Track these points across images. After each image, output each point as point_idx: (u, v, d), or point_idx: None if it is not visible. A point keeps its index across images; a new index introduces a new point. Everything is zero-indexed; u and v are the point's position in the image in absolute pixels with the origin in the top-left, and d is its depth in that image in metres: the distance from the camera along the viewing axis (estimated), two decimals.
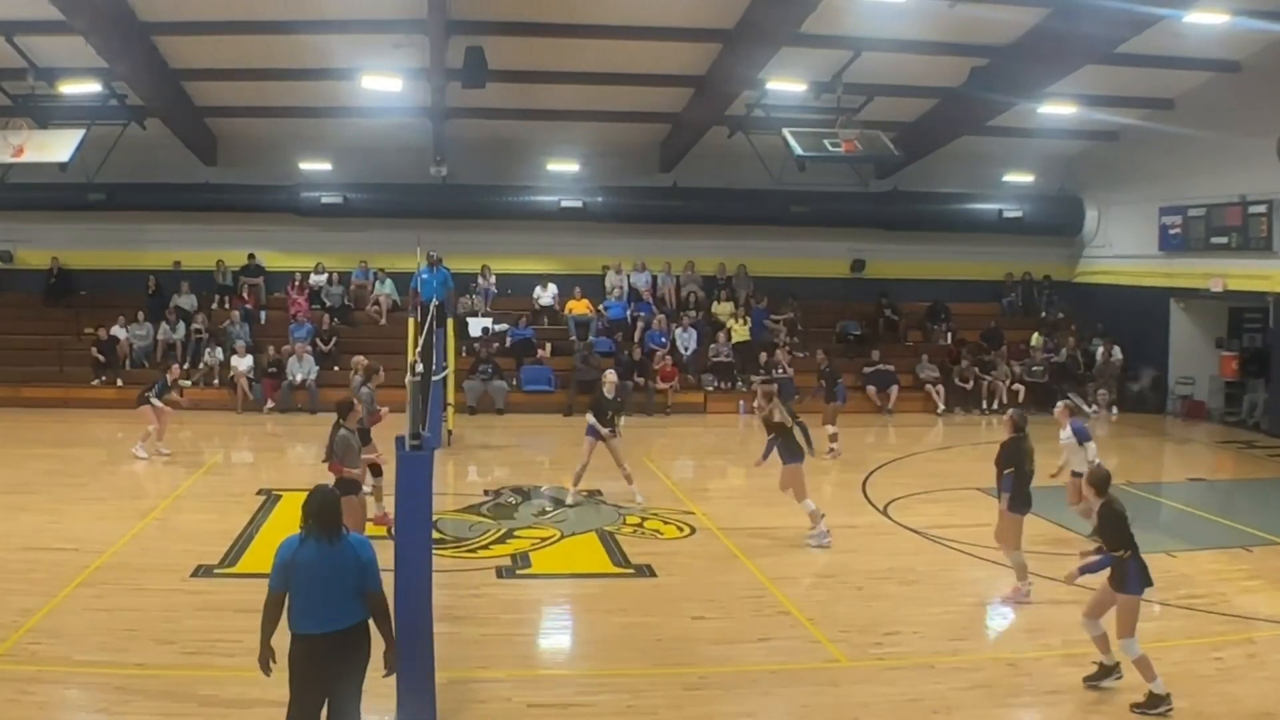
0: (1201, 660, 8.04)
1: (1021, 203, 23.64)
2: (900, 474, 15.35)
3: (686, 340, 21.90)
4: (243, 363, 19.95)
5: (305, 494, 5.78)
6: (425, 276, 16.95)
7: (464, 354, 20.47)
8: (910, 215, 23.39)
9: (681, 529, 11.91)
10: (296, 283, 22.30)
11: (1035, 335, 22.88)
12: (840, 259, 24.20)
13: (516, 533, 11.62)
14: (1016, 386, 21.34)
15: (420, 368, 8.36)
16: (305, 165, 22.09)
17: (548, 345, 21.79)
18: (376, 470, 11.13)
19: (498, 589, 9.79)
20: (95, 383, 20.07)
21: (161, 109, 19.45)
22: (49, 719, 6.86)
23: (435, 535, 9.18)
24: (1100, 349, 22.00)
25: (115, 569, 9.81)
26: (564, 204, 22.40)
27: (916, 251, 24.02)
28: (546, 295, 22.97)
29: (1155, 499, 14.29)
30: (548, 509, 12.75)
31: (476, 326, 21.43)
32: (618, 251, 23.29)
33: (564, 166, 22.66)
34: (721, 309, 23.01)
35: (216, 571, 9.90)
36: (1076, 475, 11.20)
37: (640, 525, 12.01)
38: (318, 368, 20.10)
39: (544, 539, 11.41)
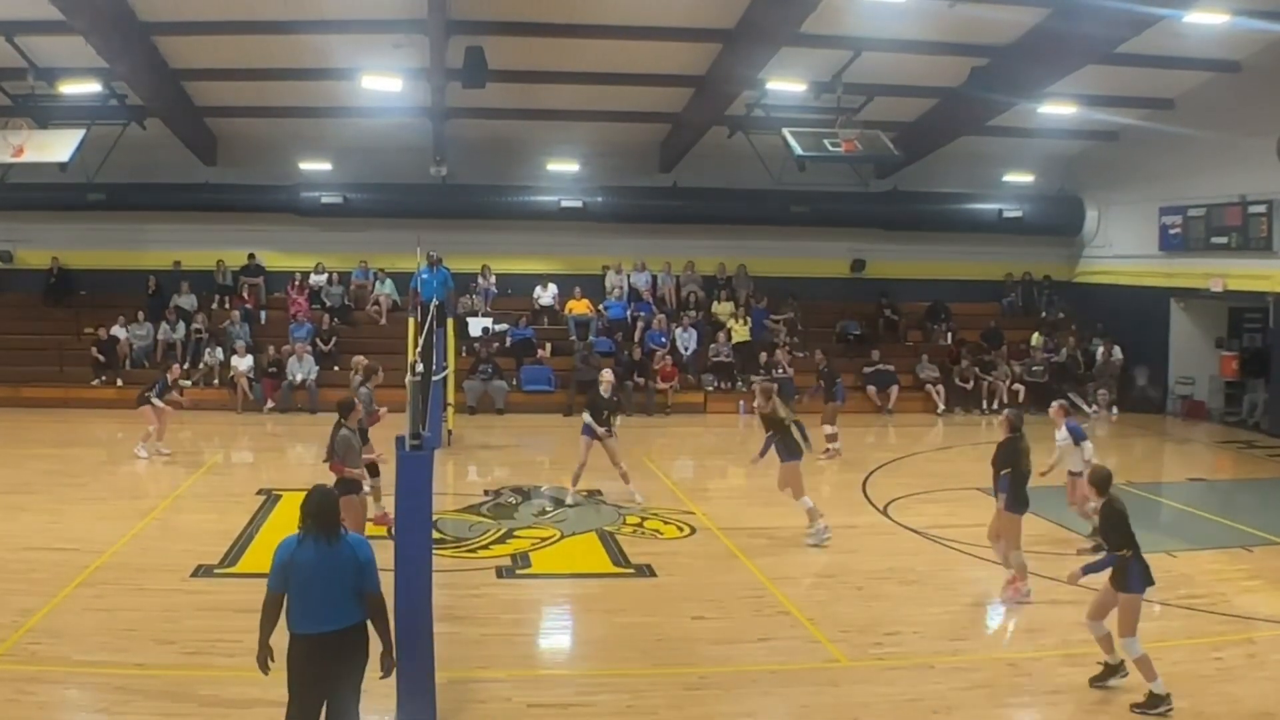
0: (1201, 660, 8.04)
1: (1021, 203, 23.63)
2: (900, 474, 15.35)
3: (686, 340, 21.90)
4: (243, 363, 19.95)
5: (305, 494, 5.78)
6: (425, 276, 16.96)
7: (464, 354, 20.47)
8: (910, 215, 23.38)
9: (681, 529, 11.91)
10: (296, 283, 22.30)
11: (1035, 335, 22.88)
12: (840, 259, 24.20)
13: (516, 533, 11.62)
14: (1017, 386, 21.35)
15: (420, 368, 8.36)
16: (305, 165, 22.09)
17: (548, 345, 21.80)
18: (374, 470, 11.13)
19: (498, 589, 9.79)
20: (95, 383, 20.07)
21: (161, 109, 19.45)
22: (49, 719, 6.86)
23: (435, 535, 9.19)
24: (1100, 349, 22.01)
25: (115, 569, 9.81)
26: (564, 204, 22.40)
27: (916, 251, 24.02)
28: (546, 295, 22.97)
29: (1155, 499, 14.29)
30: (548, 509, 12.75)
31: (476, 326, 21.43)
32: (618, 251, 23.29)
33: (564, 166, 22.66)
34: (721, 309, 23.01)
35: (217, 571, 9.90)
36: (1074, 474, 11.22)
37: (640, 525, 12.01)
38: (318, 368, 20.10)
39: (544, 539, 11.41)
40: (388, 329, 21.21)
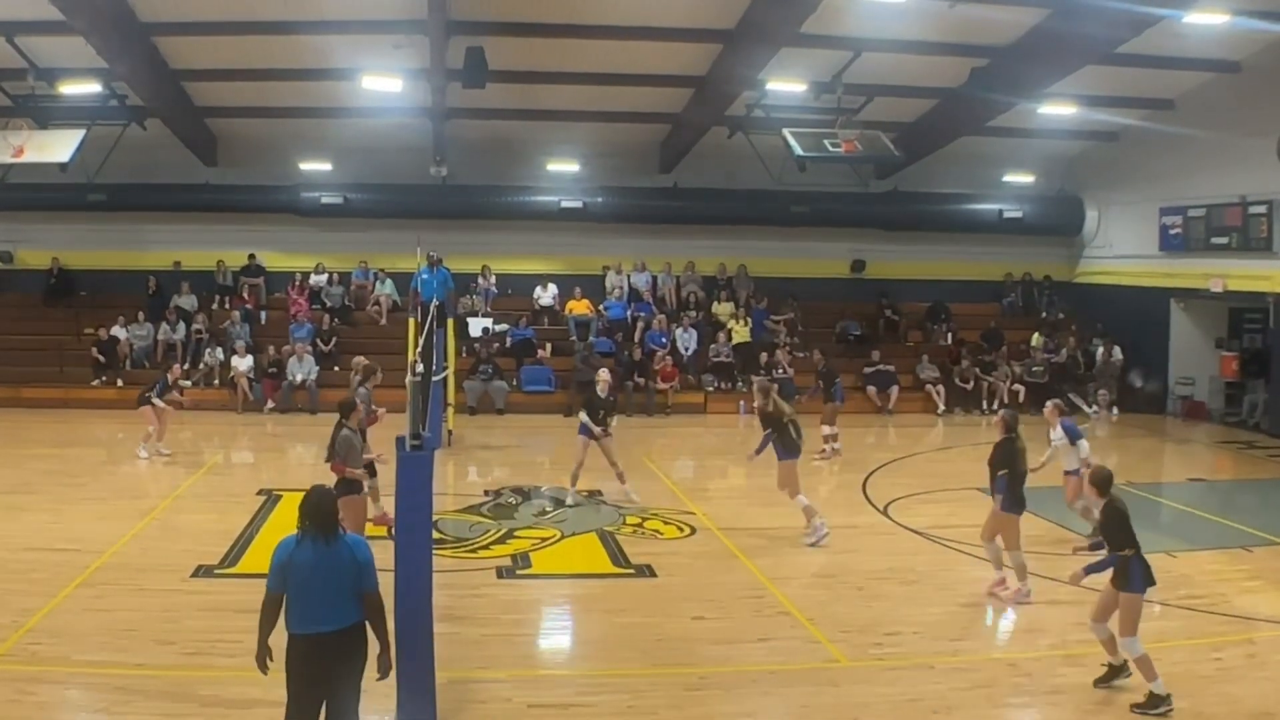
0: (1201, 660, 8.04)
1: (1021, 203, 23.64)
2: (900, 474, 15.35)
3: (687, 340, 21.90)
4: (243, 363, 19.95)
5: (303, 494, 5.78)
6: (425, 277, 16.95)
7: (464, 354, 20.47)
8: (910, 215, 23.38)
9: (681, 529, 11.91)
10: (297, 283, 22.31)
11: (1035, 335, 22.87)
12: (840, 259, 24.20)
13: (517, 533, 11.62)
14: (1017, 387, 21.34)
15: (420, 368, 8.36)
16: (305, 165, 22.09)
17: (548, 345, 21.80)
18: (372, 470, 11.12)
19: (498, 589, 9.79)
20: (95, 383, 20.07)
21: (161, 109, 19.45)
22: (49, 719, 6.86)
23: (435, 535, 9.18)
24: (1100, 349, 22.00)
25: (115, 569, 9.81)
26: (564, 204, 22.40)
27: (916, 252, 24.02)
28: (546, 295, 22.98)
29: (1155, 499, 14.29)
30: (548, 509, 12.75)
31: (477, 326, 21.43)
32: (618, 252, 23.29)
33: (564, 166, 22.66)
34: (722, 309, 23.01)
35: (217, 572, 9.90)
36: (1070, 474, 11.22)
37: (640, 525, 12.01)
38: (318, 368, 20.11)
39: (544, 539, 11.41)
40: (388, 329, 21.22)
